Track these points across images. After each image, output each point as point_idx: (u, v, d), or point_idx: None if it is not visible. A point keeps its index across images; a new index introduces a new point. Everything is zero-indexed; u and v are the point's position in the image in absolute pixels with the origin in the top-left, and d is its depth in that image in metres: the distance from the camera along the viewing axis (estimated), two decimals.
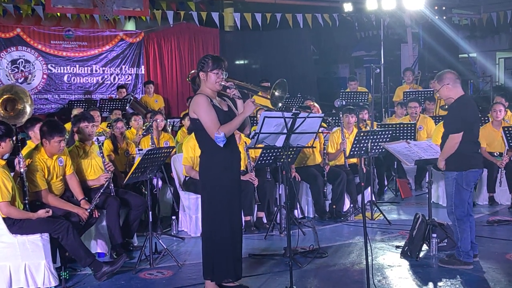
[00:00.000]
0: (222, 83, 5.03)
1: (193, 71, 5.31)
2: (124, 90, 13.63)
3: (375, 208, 8.15)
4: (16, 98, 11.31)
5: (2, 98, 11.19)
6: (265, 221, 7.66)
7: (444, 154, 5.87)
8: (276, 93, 4.98)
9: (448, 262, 5.97)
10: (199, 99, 5.00)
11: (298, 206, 7.98)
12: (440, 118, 10.07)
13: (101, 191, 6.17)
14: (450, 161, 5.82)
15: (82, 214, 5.98)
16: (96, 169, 6.67)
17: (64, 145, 6.11)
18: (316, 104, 8.87)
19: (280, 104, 4.99)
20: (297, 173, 8.04)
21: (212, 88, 5.07)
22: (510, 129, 8.49)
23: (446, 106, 9.82)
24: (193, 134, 7.29)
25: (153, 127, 8.65)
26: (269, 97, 5.03)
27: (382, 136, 7.87)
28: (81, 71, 14.45)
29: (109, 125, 9.80)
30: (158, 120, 8.82)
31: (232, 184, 5.11)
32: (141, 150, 7.94)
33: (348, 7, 15.37)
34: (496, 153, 8.73)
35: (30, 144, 6.93)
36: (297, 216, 7.90)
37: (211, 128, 4.93)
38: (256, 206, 7.60)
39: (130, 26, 15.80)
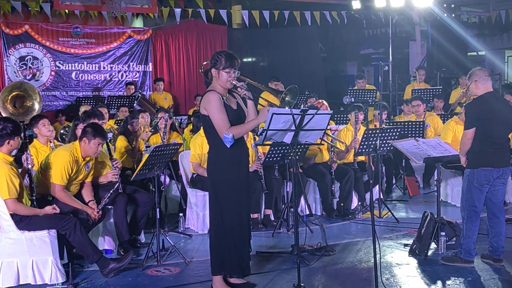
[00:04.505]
0: (234, 82, 5.01)
1: (205, 63, 5.29)
2: (133, 86, 13.66)
3: (383, 206, 8.13)
4: (25, 95, 11.37)
5: (11, 95, 11.24)
6: (272, 218, 7.64)
7: (460, 150, 5.90)
8: (287, 98, 5.00)
9: (450, 259, 5.95)
10: (212, 96, 4.97)
11: (306, 203, 7.97)
12: (449, 116, 10.03)
13: (111, 191, 6.18)
14: (468, 158, 5.82)
15: (92, 214, 6.00)
16: (103, 166, 6.68)
17: (100, 149, 6.18)
18: (324, 102, 8.84)
19: (287, 108, 4.98)
20: (305, 170, 8.02)
21: (223, 86, 5.04)
22: None
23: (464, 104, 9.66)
24: (200, 131, 7.31)
25: (159, 126, 8.63)
26: (278, 103, 5.02)
27: (390, 134, 7.84)
28: (89, 68, 14.47)
29: (117, 122, 9.82)
30: (164, 117, 8.80)
31: (240, 180, 5.10)
32: (149, 147, 7.95)
33: (356, 5, 15.33)
34: None
35: (36, 143, 6.95)
36: (301, 214, 7.87)
37: (220, 127, 4.91)
38: (263, 203, 7.58)
39: (138, 23, 15.81)
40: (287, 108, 4.99)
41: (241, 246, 5.13)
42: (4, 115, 10.39)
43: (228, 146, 4.90)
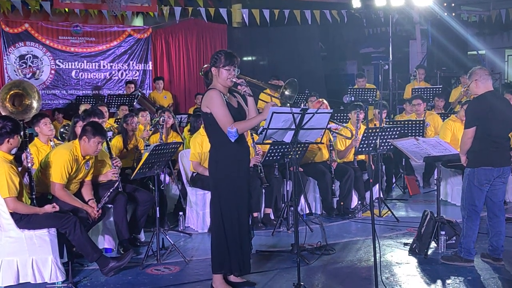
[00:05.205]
0: (234, 80, 5.02)
1: (206, 66, 5.30)
2: (133, 85, 13.66)
3: (383, 205, 8.13)
4: (24, 93, 11.33)
5: (10, 93, 11.22)
6: (272, 217, 7.64)
7: (460, 150, 5.89)
8: (286, 92, 4.99)
9: (449, 259, 5.95)
10: (213, 93, 4.99)
11: (305, 202, 7.96)
12: (449, 115, 10.03)
13: (111, 190, 6.17)
14: (468, 157, 5.82)
15: (92, 213, 6.00)
16: (103, 164, 6.67)
17: (100, 148, 6.17)
18: (325, 101, 8.84)
19: (288, 103, 4.98)
20: (305, 169, 8.01)
21: (223, 84, 5.05)
22: None
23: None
24: (200, 130, 7.31)
25: (160, 124, 8.61)
26: (277, 95, 5.02)
27: (390, 133, 7.84)
28: (89, 66, 14.48)
29: (116, 120, 9.81)
30: (165, 117, 8.79)
31: (241, 177, 5.11)
32: (149, 145, 7.95)
33: (356, 4, 15.32)
34: None
35: (37, 142, 6.95)
36: (301, 213, 7.86)
37: (224, 122, 4.92)
38: (263, 202, 7.57)
39: (138, 22, 15.81)
40: (288, 103, 4.98)
41: (242, 244, 5.13)
42: (3, 113, 10.38)
43: (233, 141, 4.90)
